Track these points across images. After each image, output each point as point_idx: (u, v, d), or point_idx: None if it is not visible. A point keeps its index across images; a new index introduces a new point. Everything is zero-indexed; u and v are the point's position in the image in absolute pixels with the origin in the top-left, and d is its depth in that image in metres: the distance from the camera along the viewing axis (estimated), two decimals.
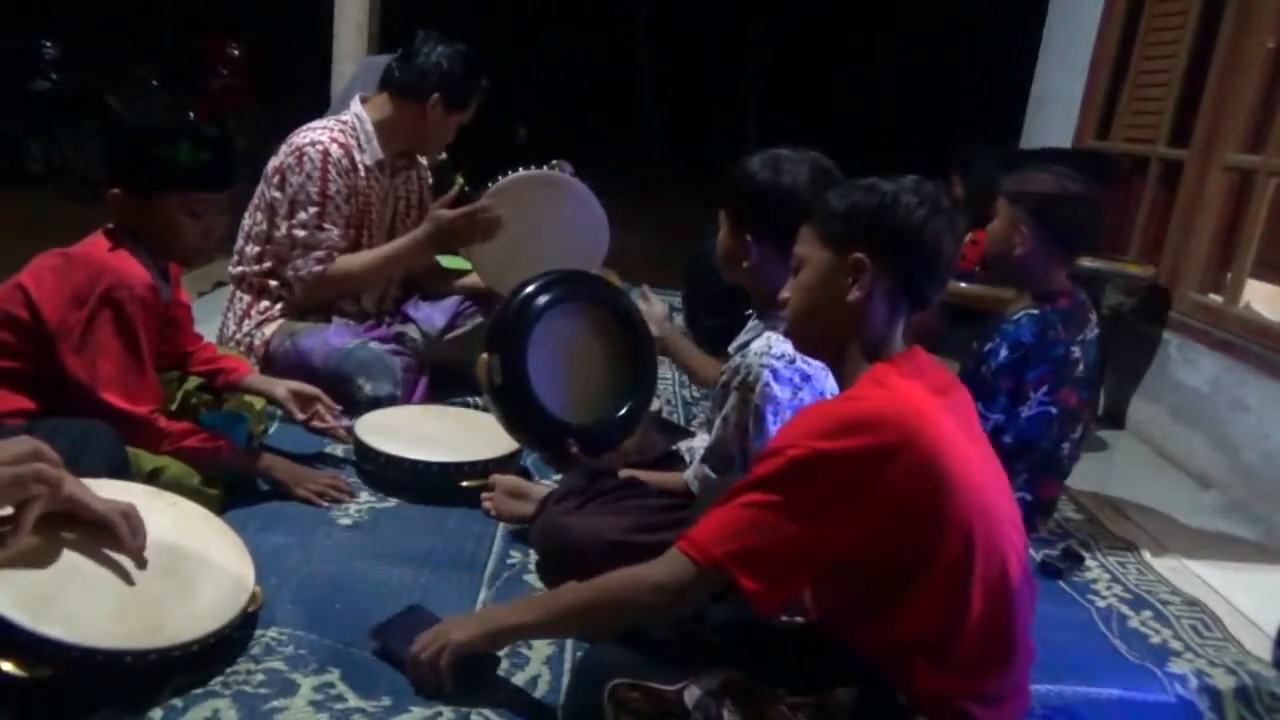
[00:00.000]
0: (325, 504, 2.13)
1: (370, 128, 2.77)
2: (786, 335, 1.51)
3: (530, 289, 2.10)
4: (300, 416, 2.28)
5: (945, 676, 1.25)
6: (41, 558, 1.40)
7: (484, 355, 2.06)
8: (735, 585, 1.24)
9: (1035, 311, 2.22)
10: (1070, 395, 2.25)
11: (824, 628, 1.36)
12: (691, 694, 1.24)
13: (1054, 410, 2.21)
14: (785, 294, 1.44)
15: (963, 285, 3.26)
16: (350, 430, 2.35)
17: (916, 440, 1.21)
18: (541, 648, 1.69)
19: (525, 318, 2.05)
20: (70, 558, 1.42)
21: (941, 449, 1.23)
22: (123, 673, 1.38)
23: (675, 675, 1.26)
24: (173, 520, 1.63)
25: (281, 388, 2.29)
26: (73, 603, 1.38)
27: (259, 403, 2.35)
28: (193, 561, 1.57)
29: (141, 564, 1.49)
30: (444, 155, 3.88)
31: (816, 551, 1.26)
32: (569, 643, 1.71)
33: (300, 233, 2.67)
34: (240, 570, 1.62)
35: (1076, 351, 2.24)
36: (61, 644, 1.32)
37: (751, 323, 1.92)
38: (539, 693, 1.57)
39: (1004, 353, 2.19)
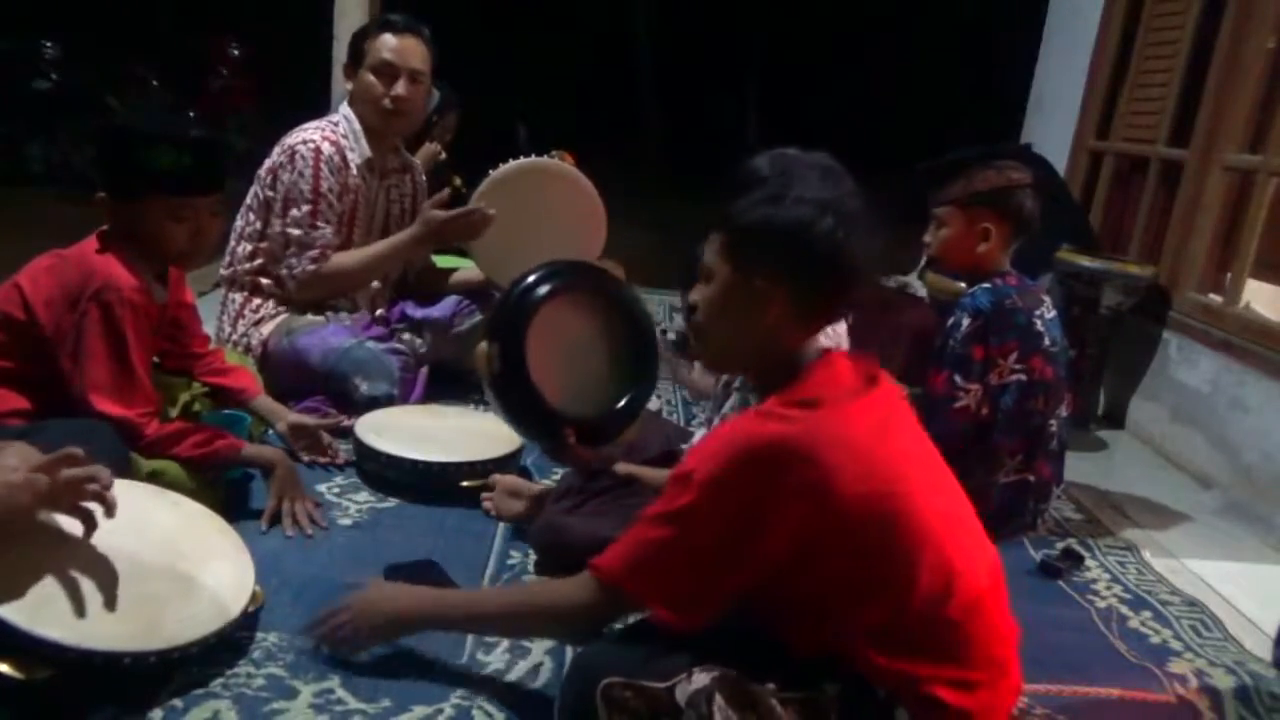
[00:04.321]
0: (291, 534, 1.99)
1: (358, 127, 2.78)
2: (693, 348, 1.48)
3: (531, 279, 2.10)
4: (304, 459, 2.27)
5: (900, 662, 1.25)
6: (40, 559, 1.39)
7: (483, 344, 2.06)
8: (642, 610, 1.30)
9: (988, 285, 2.32)
10: (1044, 367, 2.30)
11: (758, 623, 1.36)
12: (683, 691, 1.24)
13: (1026, 378, 2.27)
14: (694, 298, 1.41)
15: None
16: (350, 431, 2.35)
17: (818, 473, 1.22)
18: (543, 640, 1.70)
19: (525, 306, 2.05)
20: (69, 559, 1.42)
21: (847, 472, 1.23)
22: (122, 674, 1.38)
23: (667, 673, 1.26)
24: (174, 519, 1.63)
25: (283, 422, 2.28)
26: (71, 604, 1.37)
27: None
28: (193, 561, 1.56)
29: (142, 564, 1.48)
30: (443, 155, 3.89)
31: (726, 582, 1.28)
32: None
33: (294, 231, 2.67)
34: (241, 570, 1.61)
35: (1039, 324, 2.31)
36: (59, 645, 1.32)
37: None
38: (540, 682, 1.58)
39: (966, 322, 2.28)
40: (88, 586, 1.41)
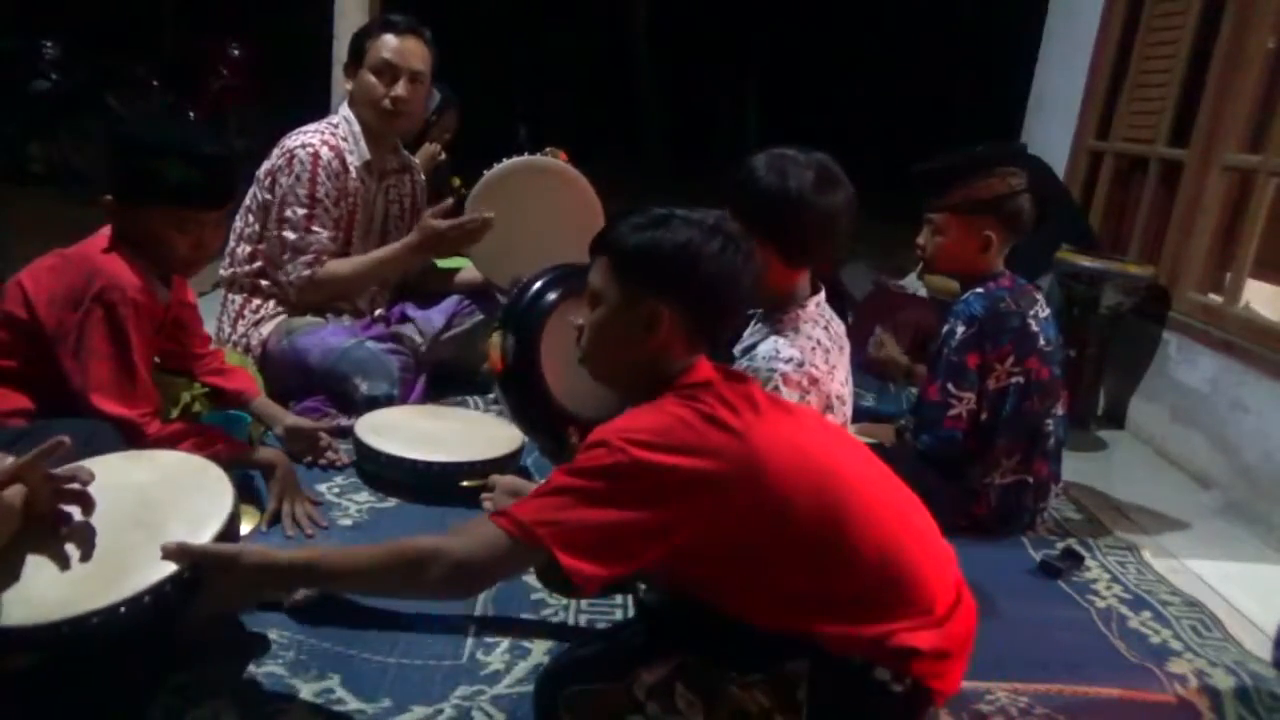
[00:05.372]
0: (292, 534, 2.00)
1: (358, 128, 2.78)
2: (581, 364, 1.46)
3: (553, 276, 2.10)
4: (305, 460, 2.28)
5: (865, 626, 1.26)
6: (5, 566, 1.31)
7: (496, 334, 2.06)
8: (553, 561, 1.22)
9: (980, 290, 2.32)
10: (1040, 367, 2.31)
11: (715, 605, 1.32)
12: (642, 685, 1.24)
13: (1023, 380, 2.28)
14: (579, 322, 1.42)
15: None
16: (350, 432, 2.36)
17: (735, 464, 1.23)
18: (543, 641, 1.70)
19: (543, 303, 2.05)
20: (33, 544, 1.34)
21: (767, 440, 1.26)
22: (100, 639, 1.27)
23: (623, 671, 1.26)
24: (149, 473, 1.54)
25: (280, 426, 2.29)
26: (28, 587, 1.29)
27: None
28: (164, 506, 1.45)
29: (107, 524, 1.38)
30: (442, 156, 3.89)
31: (636, 539, 1.24)
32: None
33: (290, 235, 2.67)
34: (216, 498, 1.48)
35: (1034, 324, 2.31)
36: (18, 629, 1.24)
37: (755, 324, 1.92)
38: None
39: (960, 329, 2.28)
40: (45, 565, 1.33)
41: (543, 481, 2.10)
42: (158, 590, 1.29)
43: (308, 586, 1.58)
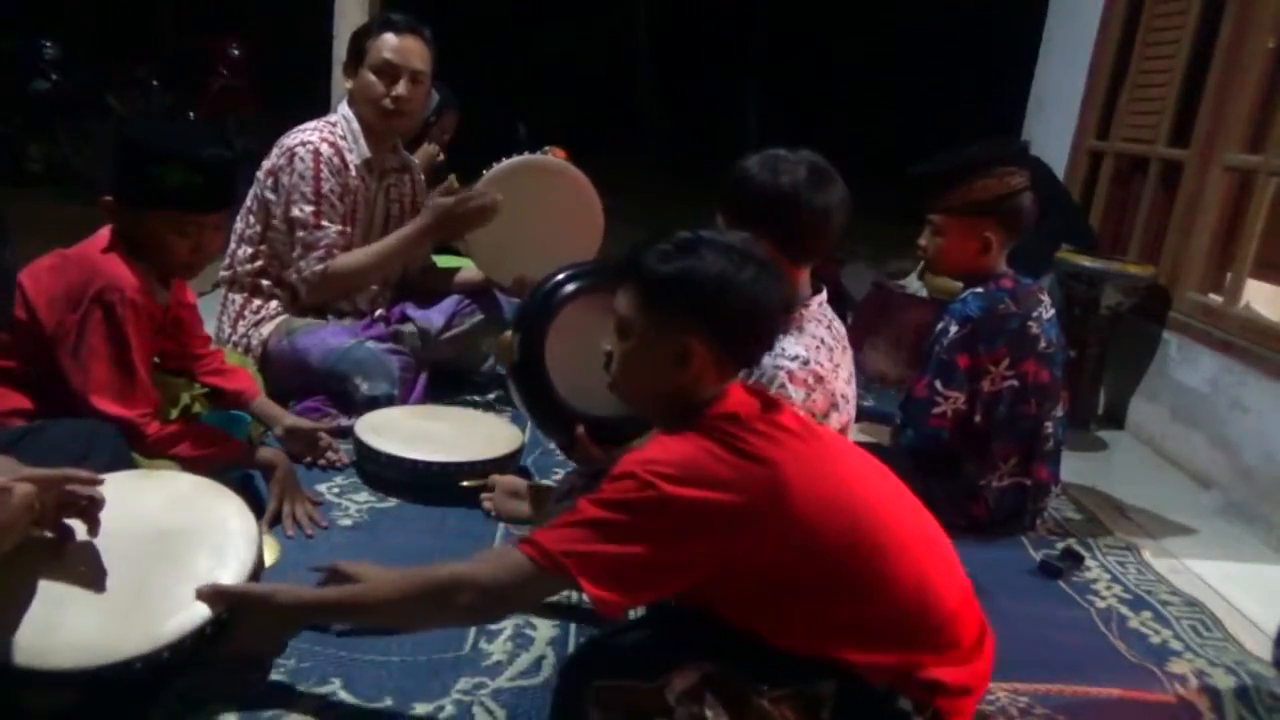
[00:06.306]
0: (292, 534, 2.00)
1: (357, 127, 2.77)
2: (611, 390, 1.45)
3: (563, 275, 2.11)
4: (305, 460, 2.29)
5: (895, 654, 1.26)
6: (29, 582, 1.33)
7: (508, 331, 2.09)
8: (577, 589, 1.24)
9: (980, 290, 2.31)
10: (1039, 370, 2.30)
11: (743, 627, 1.32)
12: (673, 690, 1.24)
13: (1019, 384, 2.27)
14: (608, 348, 1.40)
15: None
16: (350, 432, 2.36)
17: (764, 496, 1.23)
18: (546, 629, 1.71)
19: (551, 301, 2.06)
20: (58, 575, 1.35)
21: (799, 477, 1.25)
22: (139, 677, 1.31)
23: (656, 672, 1.26)
24: (162, 498, 1.54)
25: (280, 426, 2.29)
26: (59, 623, 1.30)
27: None
28: (186, 538, 1.46)
29: (124, 551, 1.39)
30: (441, 157, 3.89)
31: (662, 571, 1.25)
32: (573, 626, 1.72)
33: (299, 233, 2.67)
34: (240, 532, 1.49)
35: (1034, 327, 2.30)
36: (68, 673, 1.27)
37: None
38: (542, 675, 1.59)
39: (953, 329, 2.27)
40: (82, 600, 1.34)
41: (555, 487, 2.11)
42: (198, 634, 1.34)
43: (339, 622, 1.59)
